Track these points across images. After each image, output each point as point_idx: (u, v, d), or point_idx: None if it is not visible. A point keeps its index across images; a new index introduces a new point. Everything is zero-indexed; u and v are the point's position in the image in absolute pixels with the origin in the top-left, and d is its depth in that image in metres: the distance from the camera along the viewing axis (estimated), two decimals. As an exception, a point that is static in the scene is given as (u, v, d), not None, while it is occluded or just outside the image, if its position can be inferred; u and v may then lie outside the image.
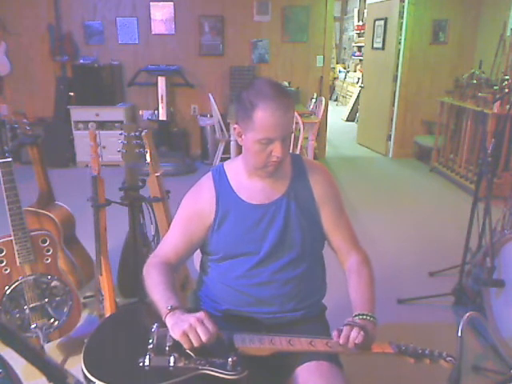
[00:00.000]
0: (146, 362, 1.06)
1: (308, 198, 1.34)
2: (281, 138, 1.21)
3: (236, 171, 1.36)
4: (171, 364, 1.06)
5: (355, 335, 1.11)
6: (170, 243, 1.37)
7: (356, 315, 1.22)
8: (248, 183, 1.34)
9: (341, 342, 1.12)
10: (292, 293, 1.33)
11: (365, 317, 1.21)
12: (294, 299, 1.33)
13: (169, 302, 1.16)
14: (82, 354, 1.11)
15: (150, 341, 1.10)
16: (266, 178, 1.32)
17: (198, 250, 1.50)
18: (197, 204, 1.34)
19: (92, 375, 1.04)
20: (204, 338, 1.06)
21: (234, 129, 1.29)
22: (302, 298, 1.34)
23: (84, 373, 1.05)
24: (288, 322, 1.32)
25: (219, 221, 1.31)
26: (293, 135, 3.76)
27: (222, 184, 1.35)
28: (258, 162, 1.26)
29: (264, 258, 1.30)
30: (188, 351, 1.08)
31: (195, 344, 1.06)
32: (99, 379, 1.03)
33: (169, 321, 1.12)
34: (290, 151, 1.36)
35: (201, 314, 1.11)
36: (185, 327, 1.07)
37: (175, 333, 1.08)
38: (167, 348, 1.08)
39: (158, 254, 1.37)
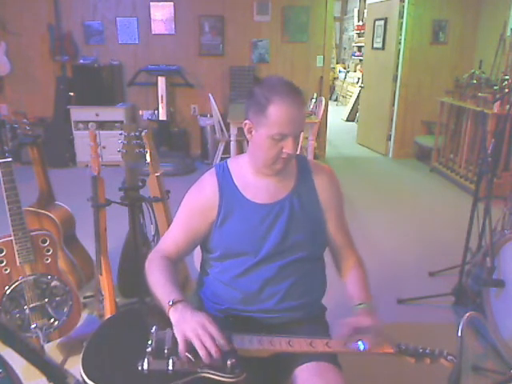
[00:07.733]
0: (145, 366, 1.04)
1: (312, 200, 1.34)
2: (294, 134, 1.21)
3: (240, 169, 1.35)
4: (170, 367, 1.04)
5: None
6: (172, 238, 1.37)
7: (359, 304, 1.26)
8: (253, 181, 1.33)
9: (370, 348, 1.14)
10: (292, 293, 1.32)
11: (365, 306, 1.25)
12: (294, 300, 1.33)
13: (170, 296, 1.16)
14: (80, 358, 1.09)
15: (149, 344, 1.09)
16: (273, 176, 1.31)
17: (199, 250, 1.51)
18: (199, 200, 1.34)
19: (90, 379, 1.03)
20: (212, 350, 1.05)
21: (245, 125, 1.27)
22: (302, 299, 1.34)
23: (82, 377, 1.04)
24: (288, 323, 1.32)
25: (222, 218, 1.31)
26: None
27: (225, 181, 1.33)
28: (267, 158, 1.25)
29: (265, 257, 1.30)
30: (187, 354, 1.07)
31: (202, 354, 1.05)
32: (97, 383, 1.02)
33: (172, 316, 1.13)
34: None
35: (202, 319, 1.10)
36: (187, 333, 1.07)
37: (178, 336, 1.08)
38: (166, 351, 1.07)
39: (159, 248, 1.38)
